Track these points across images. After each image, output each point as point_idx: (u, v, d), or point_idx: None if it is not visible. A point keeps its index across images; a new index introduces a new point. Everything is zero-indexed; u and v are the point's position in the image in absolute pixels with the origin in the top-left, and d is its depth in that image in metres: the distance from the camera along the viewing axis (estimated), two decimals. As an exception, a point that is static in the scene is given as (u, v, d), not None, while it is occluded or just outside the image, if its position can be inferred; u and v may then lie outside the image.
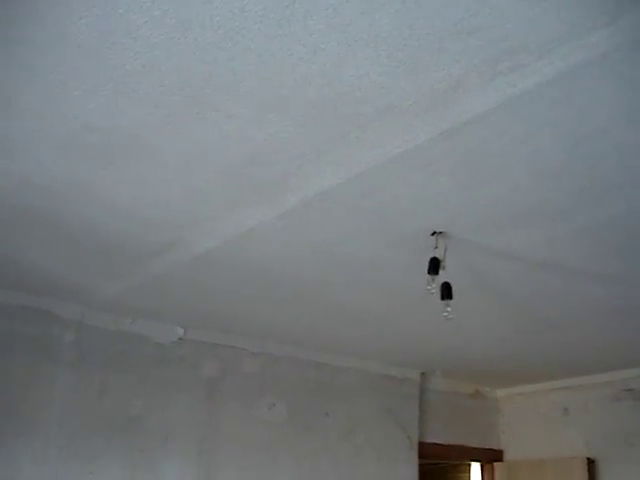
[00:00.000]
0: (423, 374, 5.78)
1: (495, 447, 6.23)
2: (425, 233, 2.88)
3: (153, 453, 4.40)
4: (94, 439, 4.23)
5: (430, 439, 5.76)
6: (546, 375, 5.74)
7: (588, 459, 5.43)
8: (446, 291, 2.91)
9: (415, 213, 2.72)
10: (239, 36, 1.76)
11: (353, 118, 2.10)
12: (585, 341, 4.58)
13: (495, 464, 6.15)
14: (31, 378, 4.12)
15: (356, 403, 5.34)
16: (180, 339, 4.67)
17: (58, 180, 2.63)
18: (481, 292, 3.59)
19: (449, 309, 2.91)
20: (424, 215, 2.74)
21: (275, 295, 3.91)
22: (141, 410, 4.43)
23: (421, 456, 5.60)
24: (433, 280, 2.84)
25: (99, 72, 1.94)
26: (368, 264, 3.31)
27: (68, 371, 4.24)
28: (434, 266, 2.83)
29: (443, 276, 2.88)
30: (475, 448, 6.10)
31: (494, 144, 2.19)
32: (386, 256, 3.18)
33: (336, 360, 5.28)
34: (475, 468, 6.60)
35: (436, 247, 2.88)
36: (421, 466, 5.59)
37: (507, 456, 6.19)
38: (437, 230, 2.86)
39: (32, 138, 2.33)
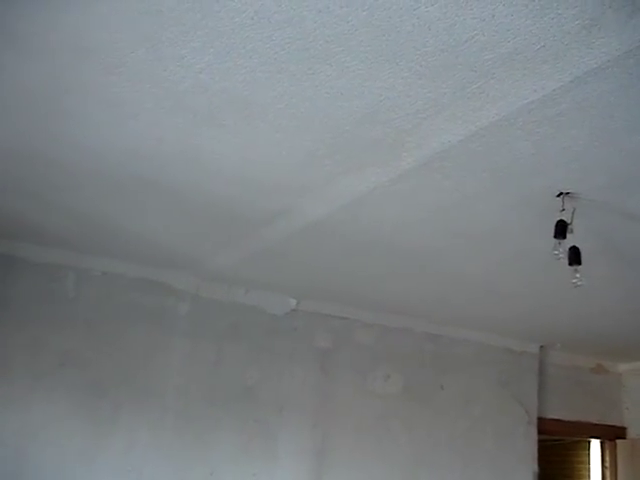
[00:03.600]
0: (542, 347, 5.55)
1: (618, 424, 5.97)
2: (551, 194, 2.68)
3: (268, 424, 4.42)
4: (210, 408, 4.27)
5: (549, 415, 5.57)
6: (674, 348, 5.41)
7: None
8: (574, 256, 2.71)
9: (540, 172, 2.53)
10: (353, -22, 1.64)
11: (475, 67, 1.94)
12: None
13: (618, 441, 5.90)
14: (148, 348, 4.20)
15: (472, 376, 5.20)
16: (293, 310, 4.65)
17: (168, 146, 2.59)
18: (610, 259, 3.36)
19: (578, 275, 2.72)
20: (550, 174, 2.54)
21: (389, 265, 3.80)
22: (256, 381, 4.44)
23: (540, 432, 5.42)
24: (560, 244, 2.66)
25: (207, 28, 1.86)
26: (488, 229, 3.15)
27: (184, 341, 4.29)
28: (561, 229, 2.64)
29: (570, 241, 2.69)
30: (596, 425, 5.87)
31: (632, 90, 1.99)
32: (508, 220, 3.01)
33: (452, 332, 5.15)
34: (595, 445, 6.33)
35: (563, 209, 2.69)
36: (539, 442, 5.40)
37: (630, 433, 5.91)
38: (564, 191, 2.66)
39: (142, 102, 2.29)
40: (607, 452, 5.96)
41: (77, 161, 2.81)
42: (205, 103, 2.25)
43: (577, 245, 2.73)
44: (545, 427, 5.49)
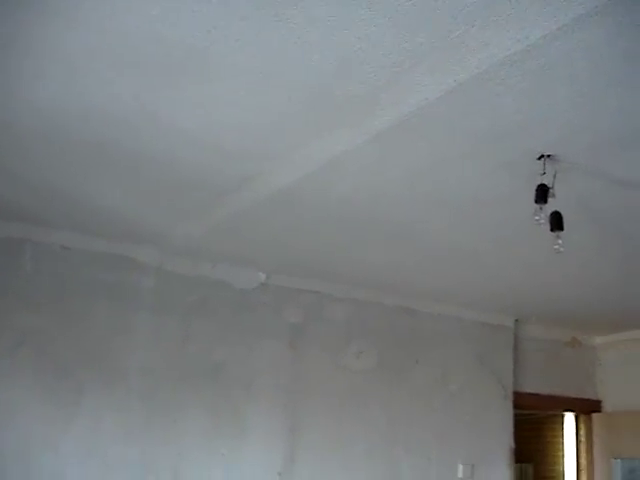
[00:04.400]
0: (517, 321, 5.48)
1: (593, 397, 5.92)
2: (532, 157, 2.55)
3: (238, 402, 4.30)
4: (177, 387, 4.13)
5: (525, 389, 5.50)
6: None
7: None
8: (556, 221, 2.59)
9: (521, 132, 2.40)
10: None
11: (455, 13, 1.78)
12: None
13: (593, 415, 5.87)
14: (112, 326, 4.05)
15: (448, 351, 5.12)
16: (262, 284, 4.51)
17: (124, 105, 2.41)
18: (590, 226, 3.25)
19: (560, 241, 2.60)
20: (532, 134, 2.41)
21: (361, 235, 3.67)
22: (224, 357, 4.31)
23: (516, 406, 5.37)
24: (541, 210, 2.53)
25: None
26: (465, 195, 3.02)
27: (149, 318, 4.14)
28: (542, 194, 2.52)
29: (551, 206, 2.57)
30: (572, 398, 5.83)
31: (621, 40, 1.85)
32: (486, 184, 2.88)
33: (426, 306, 5.05)
34: (569, 419, 6.29)
35: (543, 173, 2.56)
36: (515, 416, 5.34)
37: (606, 407, 5.88)
38: (545, 153, 2.53)
39: (94, 56, 2.11)
40: (582, 426, 5.94)
41: (27, 122, 2.62)
42: (161, 56, 2.07)
43: (558, 210, 2.61)
44: (521, 401, 5.43)
